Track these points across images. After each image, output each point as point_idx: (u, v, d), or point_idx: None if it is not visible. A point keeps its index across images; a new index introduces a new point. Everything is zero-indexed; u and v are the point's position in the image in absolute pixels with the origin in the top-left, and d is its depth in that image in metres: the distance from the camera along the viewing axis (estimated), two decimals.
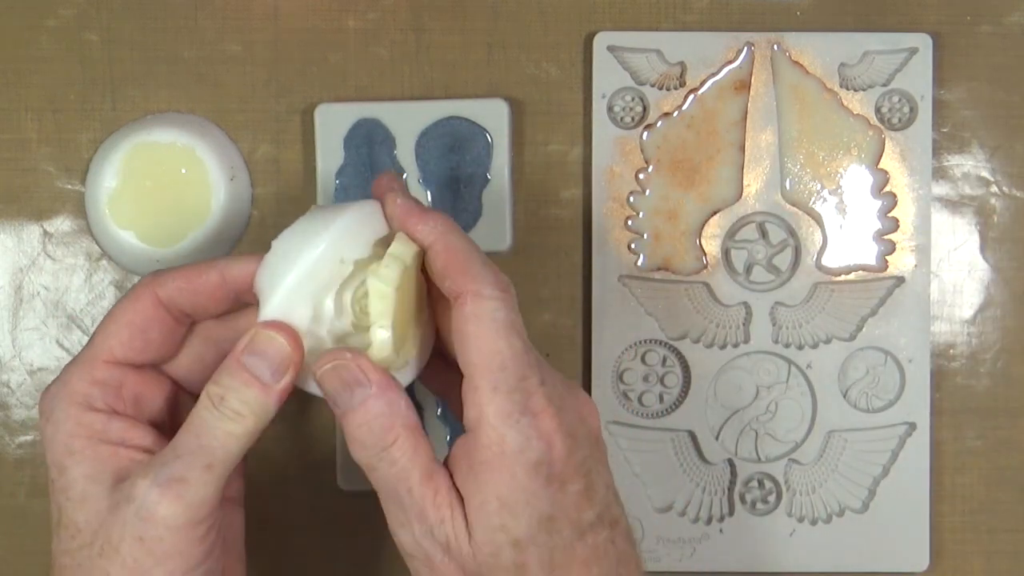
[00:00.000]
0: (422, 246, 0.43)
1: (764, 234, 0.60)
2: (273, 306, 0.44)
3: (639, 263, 0.60)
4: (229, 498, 0.46)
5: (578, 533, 0.41)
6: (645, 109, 0.60)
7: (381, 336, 0.42)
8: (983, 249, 0.62)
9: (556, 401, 0.41)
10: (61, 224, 0.61)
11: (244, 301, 0.46)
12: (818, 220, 0.60)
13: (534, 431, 0.40)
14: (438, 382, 0.48)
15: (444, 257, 0.42)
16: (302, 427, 0.61)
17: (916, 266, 0.60)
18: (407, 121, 0.59)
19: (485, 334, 0.40)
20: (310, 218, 0.45)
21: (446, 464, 0.42)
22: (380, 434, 0.41)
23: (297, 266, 0.44)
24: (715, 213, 0.60)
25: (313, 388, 0.44)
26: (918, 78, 0.60)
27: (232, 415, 0.43)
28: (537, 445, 0.40)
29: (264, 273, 0.45)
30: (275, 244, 0.45)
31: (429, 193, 0.59)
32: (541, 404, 0.41)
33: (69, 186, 0.61)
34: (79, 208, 0.60)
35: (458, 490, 0.41)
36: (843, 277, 0.60)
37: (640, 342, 0.60)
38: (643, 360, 0.60)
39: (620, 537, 0.43)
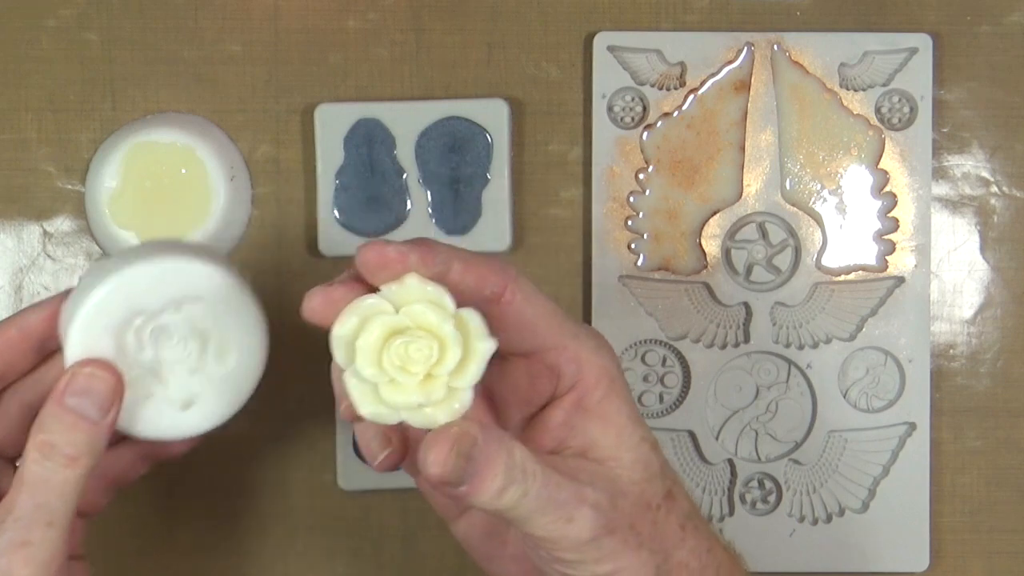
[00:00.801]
0: (440, 277, 0.40)
1: (764, 234, 0.60)
2: (75, 343, 0.44)
3: (639, 263, 0.60)
4: (72, 556, 0.46)
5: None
6: (645, 109, 0.60)
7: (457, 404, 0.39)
8: (983, 249, 0.62)
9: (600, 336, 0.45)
10: (61, 224, 0.61)
11: (48, 349, 0.46)
12: (818, 220, 0.60)
13: (608, 349, 0.44)
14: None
15: (471, 270, 0.41)
16: (302, 427, 0.61)
17: (916, 266, 0.60)
18: (407, 121, 0.59)
19: (543, 306, 0.42)
20: (105, 261, 0.48)
21: (551, 451, 0.43)
22: (511, 464, 0.39)
23: (88, 300, 0.44)
24: (715, 213, 0.60)
25: (140, 427, 0.45)
26: (918, 78, 0.60)
27: (66, 461, 0.43)
28: (615, 359, 0.44)
29: (64, 314, 0.45)
30: (74, 288, 0.46)
31: (429, 193, 0.59)
32: (603, 340, 0.44)
33: (69, 186, 0.61)
34: (79, 208, 0.60)
35: (575, 456, 0.42)
36: (843, 277, 0.60)
37: (640, 342, 0.60)
38: (643, 360, 0.60)
39: None
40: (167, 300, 0.47)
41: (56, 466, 0.43)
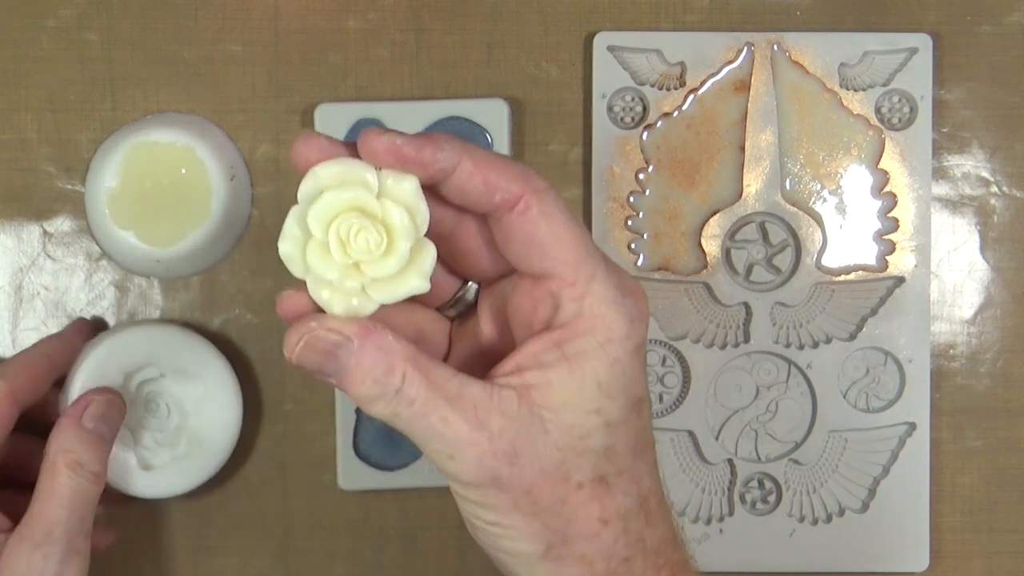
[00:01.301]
0: (443, 174, 0.37)
1: (764, 234, 0.60)
2: (87, 374, 0.55)
3: (639, 263, 0.60)
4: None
5: (651, 414, 0.41)
6: (645, 109, 0.60)
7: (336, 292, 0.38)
8: (983, 249, 0.62)
9: (635, 279, 0.40)
10: (61, 224, 0.61)
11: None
12: (818, 220, 0.60)
13: (637, 312, 0.39)
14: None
15: (481, 172, 0.37)
16: (302, 427, 0.61)
17: (916, 266, 0.60)
18: (407, 121, 0.59)
19: (564, 228, 0.38)
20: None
21: (496, 374, 0.39)
22: (385, 380, 0.37)
23: (102, 344, 0.56)
24: (715, 213, 0.60)
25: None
26: (918, 78, 0.60)
27: (92, 478, 0.49)
28: (639, 329, 0.39)
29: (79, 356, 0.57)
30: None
31: None
32: (632, 281, 0.39)
33: (69, 186, 0.61)
34: (79, 208, 0.60)
35: (517, 388, 0.38)
36: (843, 277, 0.60)
37: None
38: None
39: None
40: (164, 364, 0.57)
41: (85, 483, 0.49)
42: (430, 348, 0.42)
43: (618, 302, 0.38)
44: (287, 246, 0.37)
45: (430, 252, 0.37)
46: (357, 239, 0.36)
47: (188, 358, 0.58)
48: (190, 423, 0.58)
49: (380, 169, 0.37)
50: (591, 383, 0.38)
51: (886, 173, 0.60)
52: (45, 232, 0.61)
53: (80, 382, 0.56)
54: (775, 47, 0.60)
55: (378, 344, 0.37)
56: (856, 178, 0.60)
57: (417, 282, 0.37)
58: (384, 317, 0.38)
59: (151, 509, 0.61)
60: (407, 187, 0.37)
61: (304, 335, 0.37)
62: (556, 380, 0.38)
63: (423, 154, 0.36)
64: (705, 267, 0.60)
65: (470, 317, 0.43)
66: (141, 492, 0.57)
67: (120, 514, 0.60)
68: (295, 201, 0.61)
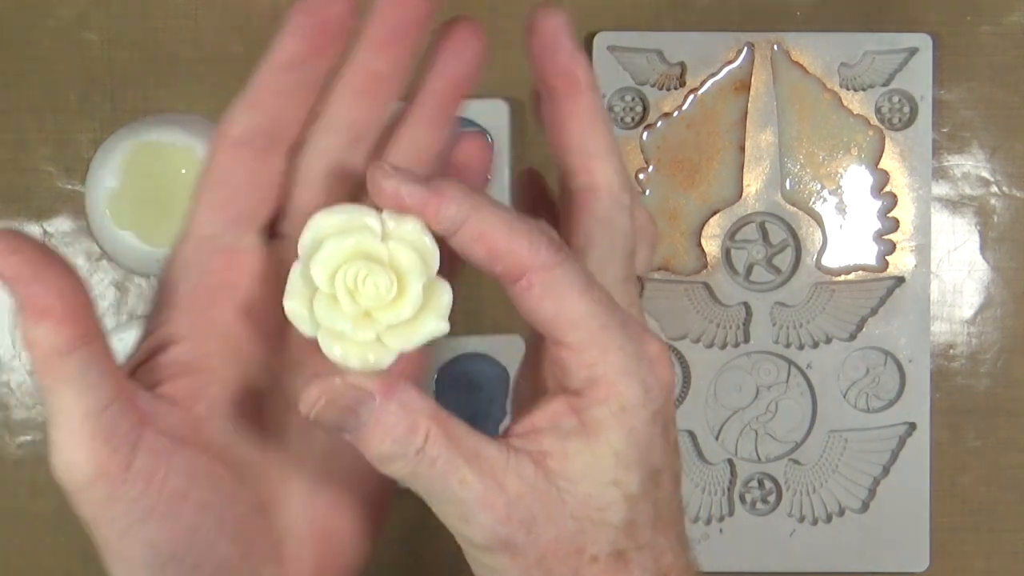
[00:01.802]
0: (447, 232, 0.35)
1: (764, 234, 0.60)
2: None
3: None
4: None
5: (674, 485, 0.38)
6: (645, 109, 0.60)
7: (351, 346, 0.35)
8: (983, 249, 0.62)
9: (659, 342, 0.38)
10: (61, 224, 0.61)
11: None
12: (818, 220, 0.60)
13: (654, 380, 0.36)
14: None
15: (485, 239, 0.35)
16: None
17: (916, 266, 0.60)
18: None
19: (570, 305, 0.35)
20: None
21: (511, 433, 0.37)
22: (407, 438, 0.35)
23: None
24: (715, 213, 0.60)
25: None
26: (918, 78, 0.60)
27: None
28: (656, 396, 0.36)
29: None
30: None
31: None
32: (656, 349, 0.37)
33: (69, 186, 0.61)
34: (79, 208, 0.60)
35: (533, 454, 0.36)
36: (843, 277, 0.60)
37: None
38: None
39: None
40: None
41: None
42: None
43: (631, 371, 0.36)
44: (293, 304, 0.34)
45: (445, 291, 0.35)
46: (365, 286, 0.34)
47: None
48: None
49: (382, 211, 0.35)
50: (607, 453, 0.36)
51: (886, 173, 0.60)
52: (45, 232, 0.61)
53: None
54: (775, 47, 0.60)
55: (402, 401, 0.35)
56: (856, 178, 0.60)
57: (434, 324, 0.35)
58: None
59: None
60: (411, 227, 0.34)
61: (325, 392, 0.35)
62: (572, 450, 0.36)
63: (426, 209, 0.34)
64: (705, 267, 0.60)
65: None
66: None
67: None
68: None
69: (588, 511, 0.36)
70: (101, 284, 0.61)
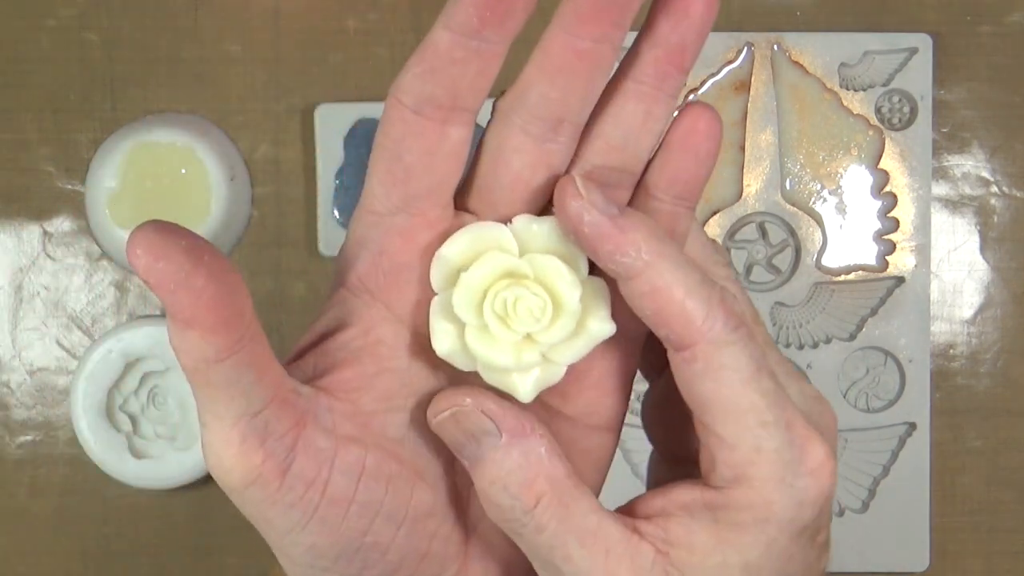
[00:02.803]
0: (619, 277, 0.31)
1: (764, 234, 0.60)
2: (92, 368, 0.59)
3: None
4: None
5: None
6: None
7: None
8: (983, 249, 0.62)
9: (828, 441, 0.32)
10: (61, 224, 0.61)
11: None
12: (818, 220, 0.60)
13: (809, 495, 0.32)
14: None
15: (656, 301, 0.30)
16: None
17: (916, 266, 0.60)
18: None
19: (735, 391, 0.31)
20: None
21: (638, 511, 0.33)
22: (519, 493, 0.31)
23: None
24: (715, 213, 0.60)
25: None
26: (918, 78, 0.60)
27: None
28: (809, 513, 0.32)
29: None
30: None
31: None
32: (819, 458, 0.32)
33: (69, 186, 0.61)
34: (79, 208, 0.60)
35: (657, 542, 0.32)
36: (843, 277, 0.60)
37: None
38: None
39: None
40: (168, 358, 0.58)
41: None
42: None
43: (786, 482, 0.31)
44: (445, 345, 0.31)
45: (601, 289, 0.32)
46: (518, 310, 0.31)
47: None
48: (191, 419, 0.59)
49: (510, 222, 0.31)
50: (736, 562, 0.32)
51: (886, 173, 0.60)
52: (45, 232, 0.61)
53: (84, 377, 0.58)
54: (775, 47, 0.60)
55: (526, 452, 0.31)
56: (856, 178, 0.60)
57: (598, 327, 0.32)
58: None
59: (151, 507, 0.61)
60: (547, 231, 0.31)
61: (453, 407, 0.31)
62: (699, 546, 0.32)
63: (603, 244, 0.30)
64: None
65: None
66: (129, 480, 0.58)
67: (120, 513, 0.60)
68: (294, 201, 0.61)
69: None
70: (101, 284, 0.61)
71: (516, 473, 0.31)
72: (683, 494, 0.32)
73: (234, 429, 0.29)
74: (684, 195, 0.32)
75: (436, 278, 0.31)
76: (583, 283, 0.31)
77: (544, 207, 0.31)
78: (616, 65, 0.31)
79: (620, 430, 0.36)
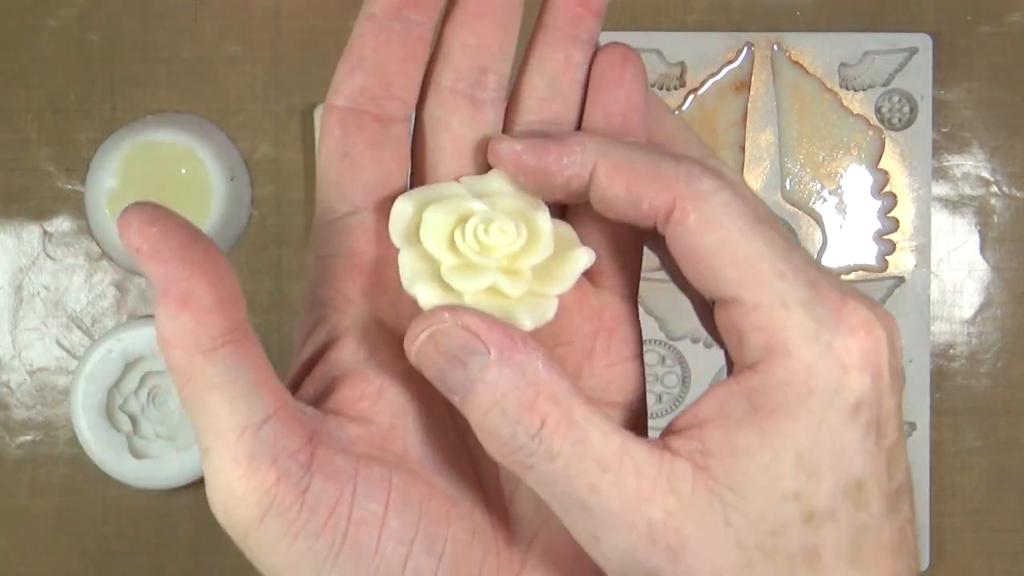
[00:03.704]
0: (579, 182, 0.29)
1: None
2: (92, 366, 0.59)
3: None
4: None
5: (888, 506, 0.28)
6: None
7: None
8: (983, 249, 0.62)
9: (868, 308, 0.28)
10: (61, 224, 0.61)
11: None
12: (818, 220, 0.60)
13: (853, 358, 0.27)
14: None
15: (622, 178, 0.28)
16: None
17: (916, 266, 0.60)
18: None
19: (735, 239, 0.28)
20: None
21: (670, 429, 0.29)
22: (519, 416, 0.27)
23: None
24: None
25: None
26: (918, 78, 0.60)
27: None
28: (858, 379, 0.27)
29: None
30: None
31: None
32: (857, 315, 0.27)
33: (69, 186, 0.61)
34: (79, 208, 0.60)
35: (693, 455, 0.28)
36: (843, 277, 0.60)
37: None
38: None
39: (913, 512, 0.30)
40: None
41: None
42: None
43: (823, 340, 0.27)
44: (427, 293, 0.28)
45: (567, 227, 0.30)
46: (491, 235, 0.29)
47: None
48: (185, 426, 0.59)
49: (459, 179, 0.30)
50: (788, 454, 0.27)
51: (886, 173, 0.60)
52: (45, 232, 0.61)
53: (84, 377, 0.58)
54: (775, 47, 0.60)
55: (521, 365, 0.27)
56: (856, 178, 0.60)
57: (579, 251, 0.30)
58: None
59: (152, 507, 0.61)
60: (498, 183, 0.30)
61: (431, 327, 0.27)
62: (743, 447, 0.27)
63: (547, 160, 0.29)
64: None
65: None
66: (129, 480, 0.58)
67: (120, 513, 0.61)
68: (295, 201, 0.61)
69: (759, 536, 0.27)
70: (101, 284, 0.61)
71: (512, 394, 0.27)
72: (715, 394, 0.28)
73: (240, 443, 0.25)
74: (625, 130, 0.30)
75: (395, 233, 0.29)
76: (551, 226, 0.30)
77: (488, 168, 0.30)
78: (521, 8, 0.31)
79: (642, 370, 0.32)
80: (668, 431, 0.29)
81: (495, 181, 0.30)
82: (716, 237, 0.28)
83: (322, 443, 0.27)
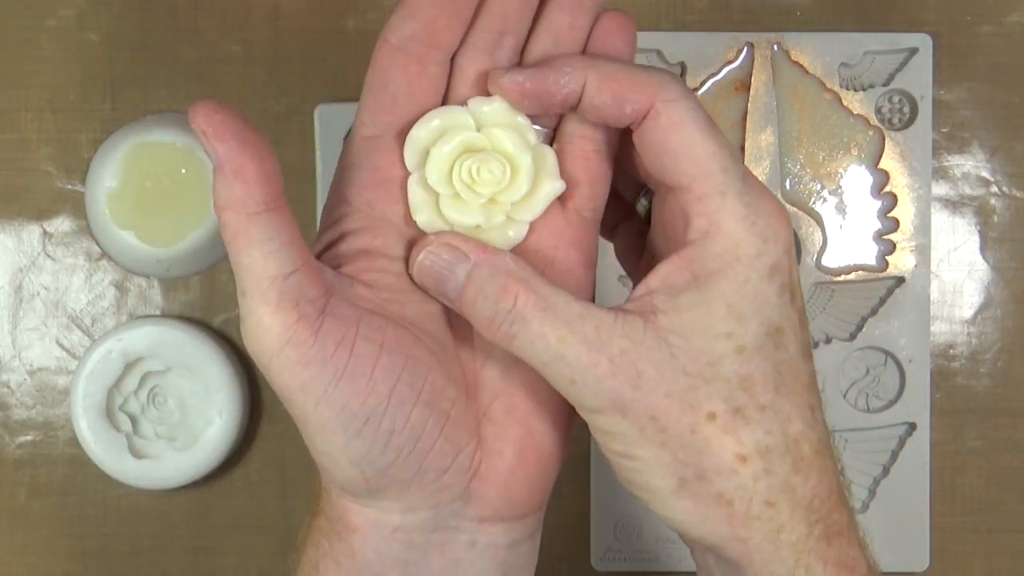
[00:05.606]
0: (573, 96, 0.36)
1: None
2: (92, 366, 0.59)
3: None
4: None
5: (802, 352, 0.37)
6: None
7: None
8: (983, 249, 0.62)
9: (778, 201, 0.37)
10: (61, 224, 0.61)
11: None
12: (818, 220, 0.60)
13: (771, 232, 0.36)
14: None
15: (608, 86, 0.36)
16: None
17: (916, 266, 0.60)
18: None
19: (695, 139, 0.35)
20: None
21: (627, 302, 0.37)
22: (497, 298, 0.35)
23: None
24: None
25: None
26: (918, 78, 0.60)
27: None
28: (773, 249, 0.36)
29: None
30: None
31: None
32: (773, 205, 0.36)
33: (69, 186, 0.61)
34: (79, 208, 0.60)
35: (644, 313, 0.36)
36: (843, 277, 0.60)
37: None
38: None
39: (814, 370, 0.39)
40: (169, 358, 0.59)
41: None
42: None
43: (749, 219, 0.35)
44: (424, 216, 0.37)
45: (549, 155, 0.37)
46: (480, 175, 0.37)
47: (192, 354, 0.58)
48: (191, 418, 0.59)
49: (466, 103, 0.37)
50: (720, 305, 0.35)
51: (886, 173, 0.60)
52: (45, 232, 0.61)
53: (84, 377, 0.58)
54: (775, 47, 0.60)
55: (493, 264, 0.36)
56: (856, 178, 0.60)
57: (551, 185, 0.37)
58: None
59: (151, 507, 0.61)
60: (498, 106, 0.37)
61: (426, 249, 0.36)
62: (684, 304, 0.35)
63: (546, 84, 0.36)
64: None
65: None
66: (129, 480, 0.58)
67: (120, 513, 0.61)
68: (295, 201, 0.61)
69: (700, 366, 0.35)
70: (101, 284, 0.61)
71: (490, 282, 0.35)
72: (663, 268, 0.36)
73: (271, 288, 0.33)
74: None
75: (409, 158, 0.36)
76: (533, 149, 0.37)
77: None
78: None
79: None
80: (624, 303, 0.36)
81: (496, 103, 0.36)
82: (680, 136, 0.35)
83: (335, 295, 0.34)
